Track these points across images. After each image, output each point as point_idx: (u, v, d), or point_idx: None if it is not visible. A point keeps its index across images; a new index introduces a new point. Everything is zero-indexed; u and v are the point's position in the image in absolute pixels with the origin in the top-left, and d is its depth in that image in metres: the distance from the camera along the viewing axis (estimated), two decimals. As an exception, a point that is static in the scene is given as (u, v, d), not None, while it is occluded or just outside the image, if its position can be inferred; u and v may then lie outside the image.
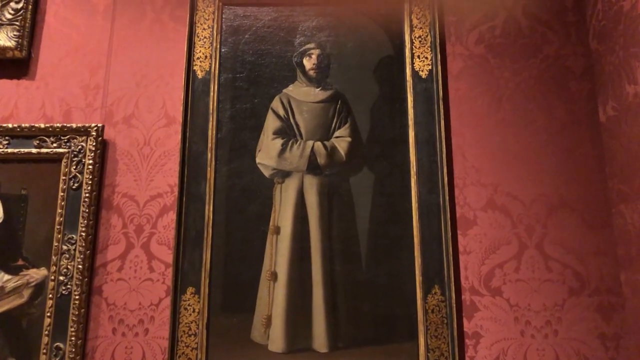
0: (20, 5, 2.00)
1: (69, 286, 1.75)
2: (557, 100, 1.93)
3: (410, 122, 1.90)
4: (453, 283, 1.74)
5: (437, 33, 1.95)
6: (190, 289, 1.76)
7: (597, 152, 1.88)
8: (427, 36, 1.97)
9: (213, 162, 1.87)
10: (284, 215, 1.83)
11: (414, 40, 1.96)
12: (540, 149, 1.89)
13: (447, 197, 1.81)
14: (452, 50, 1.98)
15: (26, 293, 1.76)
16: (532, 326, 1.74)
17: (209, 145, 1.88)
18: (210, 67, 1.95)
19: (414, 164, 1.86)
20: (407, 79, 1.94)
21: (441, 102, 1.89)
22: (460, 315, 1.75)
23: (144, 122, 1.95)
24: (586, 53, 1.97)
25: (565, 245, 1.80)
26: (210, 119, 1.90)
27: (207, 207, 1.82)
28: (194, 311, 1.74)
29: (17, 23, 1.97)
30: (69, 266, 1.76)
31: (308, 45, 1.99)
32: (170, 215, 1.85)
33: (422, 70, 1.94)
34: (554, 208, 1.83)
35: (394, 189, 1.85)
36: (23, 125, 1.89)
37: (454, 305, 1.72)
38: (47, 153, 1.86)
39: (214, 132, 1.90)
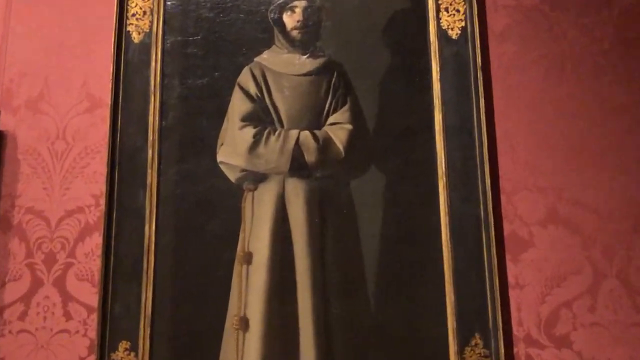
0: None
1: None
2: (644, 70, 1.73)
3: (437, 102, 1.68)
4: (501, 330, 1.52)
5: (474, -24, 1.78)
6: (123, 344, 1.55)
7: None
8: (458, -20, 1.80)
9: (155, 162, 1.67)
10: (257, 236, 1.63)
11: (440, -13, 1.80)
12: (621, 139, 1.65)
13: (489, 208, 1.60)
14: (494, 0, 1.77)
15: None
16: (614, 389, 1.55)
17: (150, 137, 1.68)
18: (150, 28, 1.75)
19: (443, 161, 1.64)
20: (431, 41, 1.72)
21: (479, 73, 1.67)
22: (512, 376, 1.58)
23: (57, 107, 1.75)
24: (683, 1, 1.75)
25: (658, 274, 1.62)
26: (151, 100, 1.70)
27: (147, 225, 1.63)
28: (130, 375, 1.58)
29: None
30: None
31: (290, -4, 1.83)
32: (95, 239, 1.65)
33: (452, 29, 1.72)
34: (642, 223, 1.65)
35: (414, 196, 1.65)
36: None
37: (504, 361, 1.56)
38: None
39: (157, 119, 1.70)
